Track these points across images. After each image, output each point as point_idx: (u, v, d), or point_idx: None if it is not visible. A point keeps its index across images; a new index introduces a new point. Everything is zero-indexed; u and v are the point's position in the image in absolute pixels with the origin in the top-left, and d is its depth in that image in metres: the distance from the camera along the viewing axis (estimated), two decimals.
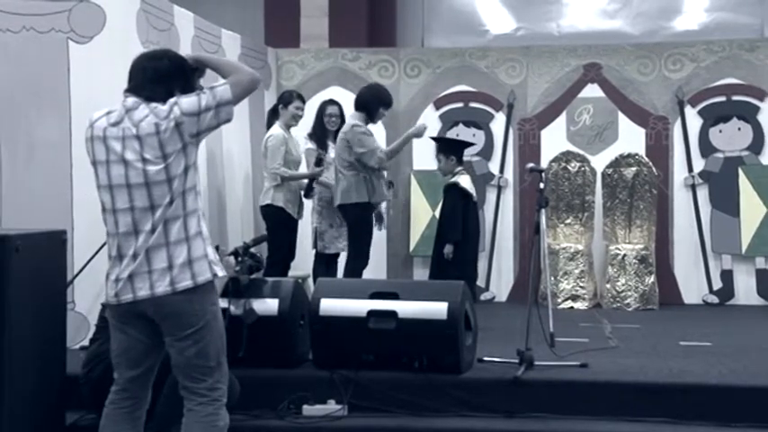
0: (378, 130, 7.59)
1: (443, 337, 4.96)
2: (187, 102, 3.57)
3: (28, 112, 5.76)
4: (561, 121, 8.71)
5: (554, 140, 8.64)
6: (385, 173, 7.15)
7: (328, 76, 8.97)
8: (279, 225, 7.17)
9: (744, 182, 8.39)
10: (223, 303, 4.37)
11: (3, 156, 5.75)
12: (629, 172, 8.29)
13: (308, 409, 4.84)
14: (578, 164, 8.42)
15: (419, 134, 7.13)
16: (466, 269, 6.86)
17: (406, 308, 5.02)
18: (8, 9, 5.71)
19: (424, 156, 8.41)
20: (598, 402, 4.83)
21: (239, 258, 5.11)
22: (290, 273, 7.26)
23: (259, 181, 7.89)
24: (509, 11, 10.90)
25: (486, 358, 5.30)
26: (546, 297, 6.94)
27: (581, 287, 8.24)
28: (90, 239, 5.33)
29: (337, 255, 7.57)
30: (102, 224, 3.67)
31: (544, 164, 8.23)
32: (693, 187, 8.52)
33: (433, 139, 7.66)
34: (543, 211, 5.58)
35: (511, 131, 8.76)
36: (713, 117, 8.51)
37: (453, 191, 7.08)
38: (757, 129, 8.45)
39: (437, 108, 8.84)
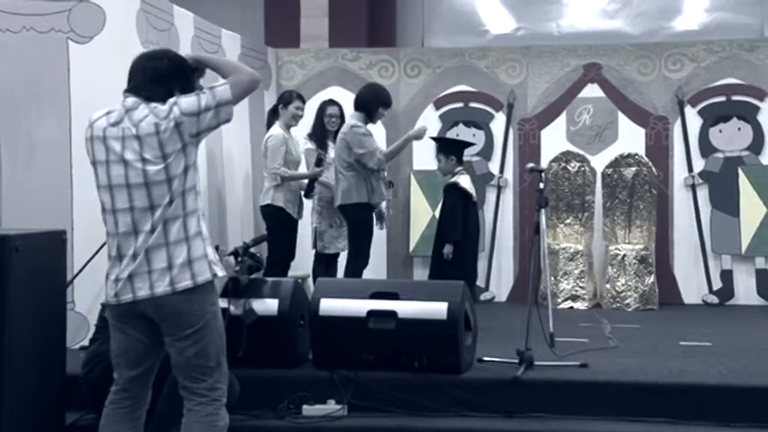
0: (378, 131, 7.59)
1: (443, 337, 4.95)
2: (187, 102, 3.57)
3: (28, 112, 5.75)
4: (561, 121, 8.71)
5: (554, 140, 8.64)
6: (385, 173, 7.15)
7: (328, 76, 8.97)
8: (279, 225, 7.18)
9: (744, 182, 8.39)
10: (223, 303, 4.38)
11: (3, 156, 5.75)
12: (629, 172, 8.29)
13: (307, 409, 4.84)
14: (578, 164, 8.42)
15: (419, 137, 7.13)
16: (466, 269, 6.86)
17: (406, 308, 5.02)
18: (8, 9, 5.71)
19: (424, 156, 8.41)
20: (598, 402, 4.83)
21: (239, 258, 5.11)
22: (290, 273, 7.26)
23: (259, 181, 7.89)
24: (509, 11, 10.90)
25: (485, 358, 5.30)
26: (546, 297, 6.94)
27: (581, 287, 8.25)
28: (90, 239, 5.34)
29: (337, 255, 7.57)
30: (101, 224, 3.67)
31: (544, 164, 8.23)
32: (693, 187, 8.52)
33: (433, 139, 7.66)
34: (543, 211, 5.58)
35: (511, 131, 8.76)
36: (713, 117, 8.51)
37: (453, 191, 7.08)
38: (757, 129, 8.45)
39: (437, 108, 8.84)
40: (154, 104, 3.57)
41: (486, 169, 8.75)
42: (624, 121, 8.61)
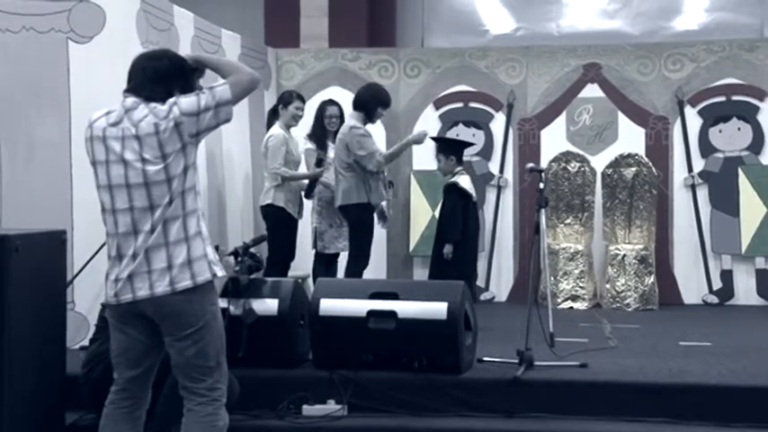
0: (377, 131, 7.60)
1: (443, 337, 4.96)
2: (186, 102, 3.57)
3: (28, 112, 5.75)
4: (561, 121, 8.71)
5: (554, 140, 8.64)
6: (384, 173, 7.14)
7: (328, 76, 8.97)
8: (279, 225, 7.18)
9: (744, 182, 8.39)
10: (223, 303, 4.38)
11: (3, 156, 5.75)
12: (629, 172, 8.29)
13: (307, 409, 4.84)
14: (578, 164, 8.42)
15: (419, 141, 7.14)
16: (465, 269, 6.86)
17: (406, 308, 5.02)
18: (8, 9, 5.70)
19: (424, 156, 8.40)
20: (598, 402, 4.83)
21: (239, 258, 5.11)
22: (290, 273, 7.26)
23: (259, 181, 7.89)
24: (509, 11, 10.90)
25: (485, 358, 5.30)
26: (546, 297, 6.94)
27: (581, 287, 8.25)
28: (90, 239, 5.34)
29: (337, 255, 7.57)
30: (101, 224, 3.67)
31: (544, 164, 8.23)
32: (693, 187, 8.52)
33: (433, 139, 7.65)
34: (543, 211, 5.58)
35: (511, 131, 8.76)
36: (713, 117, 8.51)
37: (453, 191, 7.08)
38: (757, 129, 8.45)
39: (437, 108, 8.84)
40: (153, 104, 3.57)
41: (486, 169, 8.75)
42: (624, 122, 8.61)
